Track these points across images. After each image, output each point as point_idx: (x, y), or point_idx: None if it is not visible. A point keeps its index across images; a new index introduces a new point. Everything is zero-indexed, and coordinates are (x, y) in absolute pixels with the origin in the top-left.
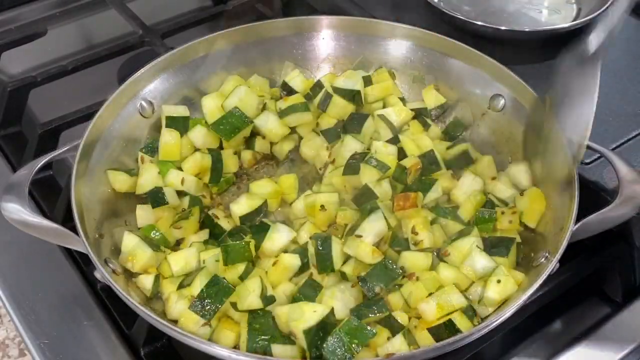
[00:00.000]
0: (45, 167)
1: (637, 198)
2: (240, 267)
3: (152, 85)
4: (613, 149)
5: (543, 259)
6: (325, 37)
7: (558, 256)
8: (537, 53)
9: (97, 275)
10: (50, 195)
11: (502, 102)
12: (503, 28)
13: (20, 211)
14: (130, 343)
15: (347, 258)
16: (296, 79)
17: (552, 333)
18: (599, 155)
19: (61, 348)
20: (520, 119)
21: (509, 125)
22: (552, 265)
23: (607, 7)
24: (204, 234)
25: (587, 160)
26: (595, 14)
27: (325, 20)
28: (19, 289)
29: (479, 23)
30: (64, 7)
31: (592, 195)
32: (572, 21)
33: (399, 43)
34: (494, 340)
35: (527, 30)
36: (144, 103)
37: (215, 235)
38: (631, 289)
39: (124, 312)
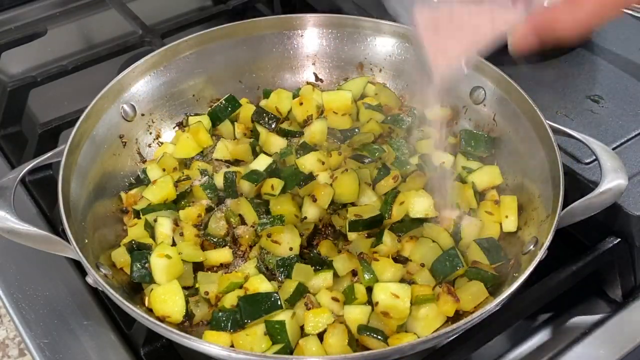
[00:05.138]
0: (45, 167)
1: (619, 184)
2: None
3: (134, 88)
4: (613, 149)
5: (532, 246)
6: (310, 34)
7: (547, 241)
8: (536, 53)
9: (89, 280)
10: (50, 195)
11: (482, 93)
12: None
13: (5, 219)
14: (130, 343)
15: None
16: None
17: (552, 333)
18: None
19: (61, 348)
20: (503, 110)
21: (491, 117)
22: (543, 251)
23: None
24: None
25: (587, 161)
26: None
27: (310, 18)
28: (19, 289)
29: None
30: (64, 7)
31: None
32: None
33: (382, 40)
34: (494, 340)
35: None
36: (126, 107)
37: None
38: (631, 289)
39: (123, 312)
